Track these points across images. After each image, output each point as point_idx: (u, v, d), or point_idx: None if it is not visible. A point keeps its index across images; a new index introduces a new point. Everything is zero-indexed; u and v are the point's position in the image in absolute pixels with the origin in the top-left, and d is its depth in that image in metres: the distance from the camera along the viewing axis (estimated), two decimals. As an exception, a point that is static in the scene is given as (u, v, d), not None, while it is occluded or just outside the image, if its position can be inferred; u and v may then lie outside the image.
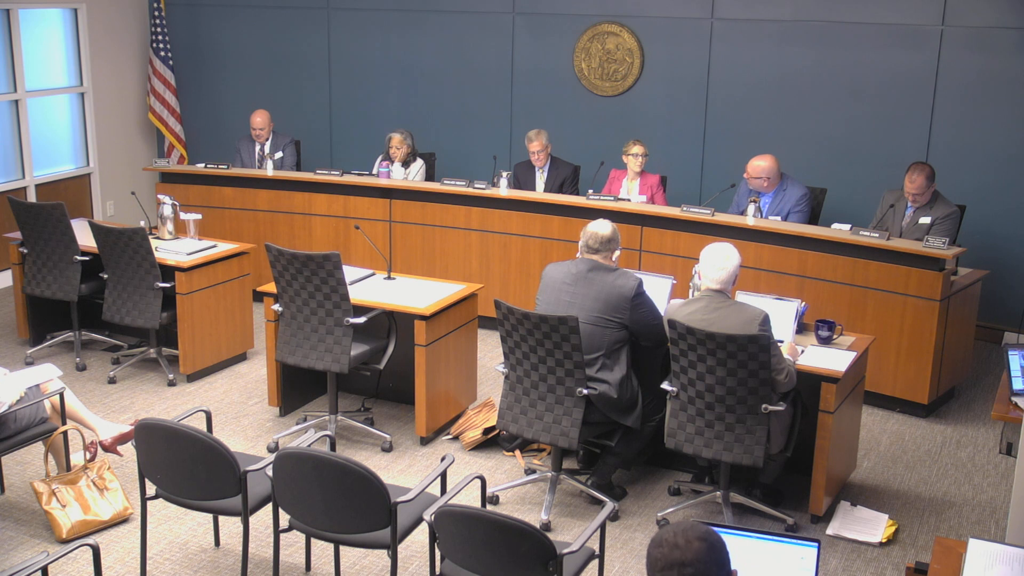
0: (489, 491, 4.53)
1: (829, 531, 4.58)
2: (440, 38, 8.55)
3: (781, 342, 4.50)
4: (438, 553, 3.47)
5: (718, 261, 4.35)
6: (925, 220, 6.12)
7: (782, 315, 4.70)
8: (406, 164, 7.63)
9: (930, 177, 6.10)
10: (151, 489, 4.02)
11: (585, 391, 4.43)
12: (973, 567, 2.89)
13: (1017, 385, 4.01)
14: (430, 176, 7.84)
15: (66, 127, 8.85)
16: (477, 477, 3.87)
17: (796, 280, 6.03)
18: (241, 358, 6.51)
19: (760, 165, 6.45)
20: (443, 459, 3.93)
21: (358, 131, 8.93)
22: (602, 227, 4.65)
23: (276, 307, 5.32)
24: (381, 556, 4.28)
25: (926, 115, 7.06)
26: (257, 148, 8.02)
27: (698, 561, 2.11)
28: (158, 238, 6.39)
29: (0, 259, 7.88)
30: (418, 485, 3.71)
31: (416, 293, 5.47)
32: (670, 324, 4.30)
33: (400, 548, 3.81)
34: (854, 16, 7.18)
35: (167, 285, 5.94)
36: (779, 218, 6.42)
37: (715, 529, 2.21)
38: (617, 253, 4.67)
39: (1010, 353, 4.11)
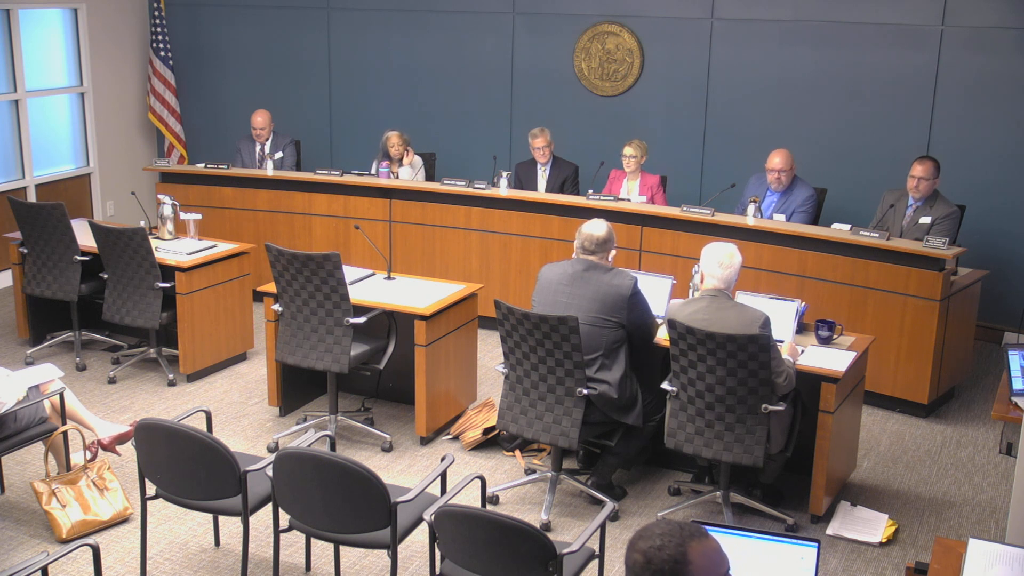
0: (489, 491, 4.53)
1: (829, 531, 4.58)
2: (440, 38, 8.55)
3: (781, 342, 4.50)
4: (438, 553, 3.47)
5: (721, 260, 4.33)
6: (925, 220, 6.12)
7: (782, 315, 4.70)
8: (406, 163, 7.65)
9: (937, 167, 6.12)
10: (151, 489, 4.02)
11: (585, 391, 4.42)
12: (973, 567, 2.89)
13: (1017, 385, 4.01)
14: (430, 176, 7.85)
15: (66, 127, 8.85)
16: (477, 477, 3.86)
17: (796, 280, 6.03)
18: (241, 358, 6.51)
19: (776, 160, 6.49)
20: (443, 459, 3.93)
21: (358, 131, 8.93)
22: (597, 228, 4.59)
23: (276, 307, 5.32)
24: (381, 556, 4.28)
25: (926, 115, 7.06)
26: (257, 148, 8.02)
27: None
28: (158, 238, 6.39)
29: (0, 259, 7.87)
30: (418, 485, 3.71)
31: (416, 293, 5.47)
32: (670, 324, 4.29)
33: (400, 548, 3.81)
34: (854, 16, 7.18)
35: (167, 285, 5.94)
36: (784, 216, 6.43)
37: (712, 531, 2.03)
38: (613, 253, 4.64)
39: (1010, 353, 4.10)
